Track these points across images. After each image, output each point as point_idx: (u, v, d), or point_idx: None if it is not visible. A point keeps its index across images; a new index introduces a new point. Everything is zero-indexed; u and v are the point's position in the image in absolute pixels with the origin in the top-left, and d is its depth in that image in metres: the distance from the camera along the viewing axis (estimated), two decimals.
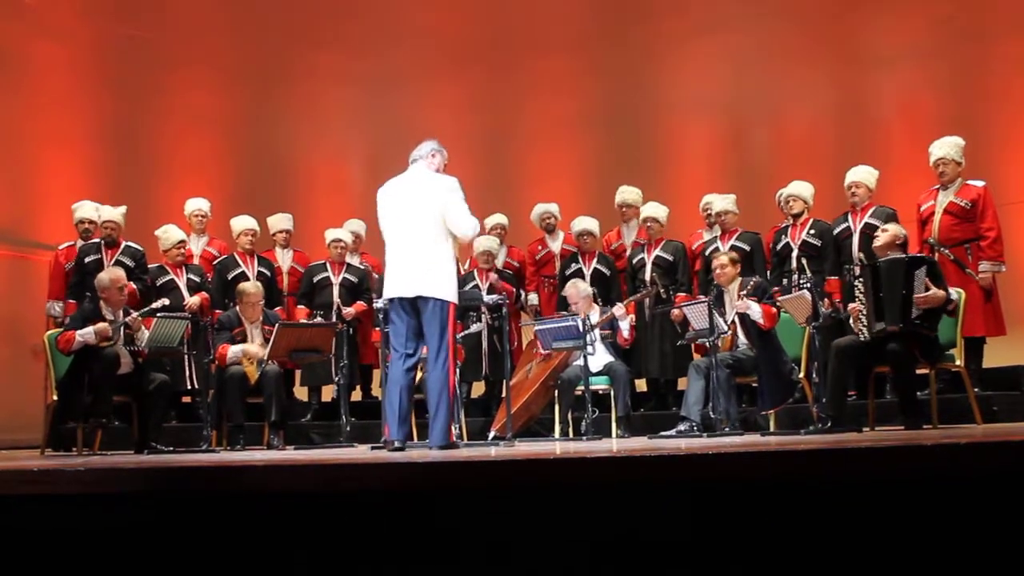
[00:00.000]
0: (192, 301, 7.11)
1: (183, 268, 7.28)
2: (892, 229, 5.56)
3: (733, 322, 6.01)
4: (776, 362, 5.82)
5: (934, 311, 5.22)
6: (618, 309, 6.66)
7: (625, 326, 6.66)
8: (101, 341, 5.77)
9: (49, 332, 6.46)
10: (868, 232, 6.38)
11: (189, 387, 7.24)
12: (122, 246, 7.25)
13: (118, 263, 7.07)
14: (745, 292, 5.97)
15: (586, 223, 7.64)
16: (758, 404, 5.97)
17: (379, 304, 5.10)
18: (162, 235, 7.31)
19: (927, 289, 5.16)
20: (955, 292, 5.38)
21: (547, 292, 7.88)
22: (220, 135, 9.94)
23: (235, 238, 7.67)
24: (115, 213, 7.32)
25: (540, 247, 8.08)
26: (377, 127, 9.71)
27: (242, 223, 7.67)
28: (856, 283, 5.38)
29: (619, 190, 7.92)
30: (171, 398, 6.72)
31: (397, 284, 4.79)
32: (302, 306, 7.50)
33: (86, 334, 5.74)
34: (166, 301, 6.52)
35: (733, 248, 6.90)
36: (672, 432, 5.83)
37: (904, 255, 5.39)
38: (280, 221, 7.94)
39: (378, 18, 9.70)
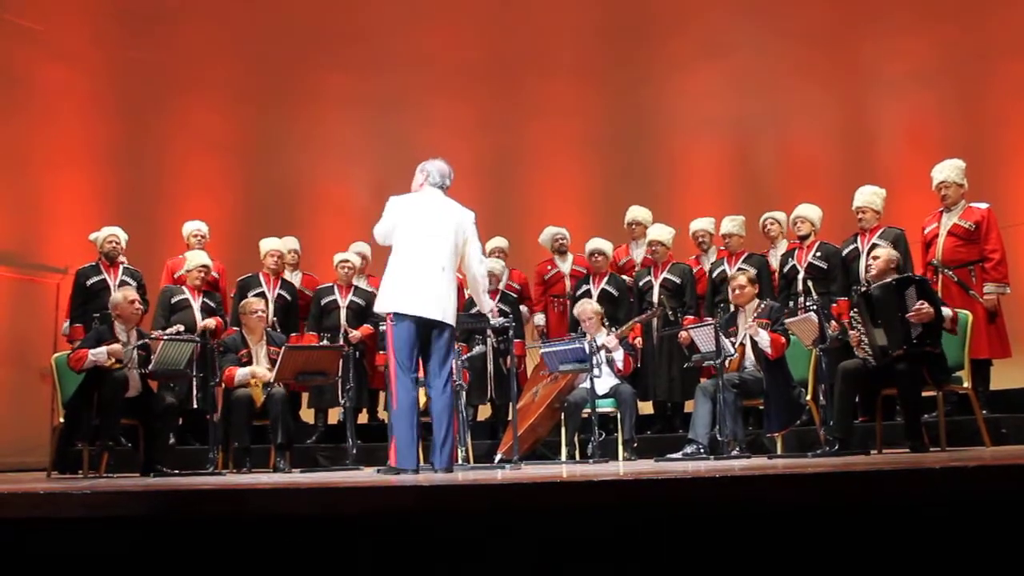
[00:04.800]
0: (208, 323, 7.12)
1: (200, 291, 7.30)
2: (884, 255, 5.52)
3: (742, 344, 6.01)
4: (783, 385, 5.82)
5: (932, 328, 5.19)
6: (610, 340, 6.63)
7: (619, 357, 6.61)
8: (114, 363, 5.78)
9: (57, 354, 6.48)
10: None
11: (195, 407, 7.23)
12: (121, 267, 7.31)
13: (122, 282, 7.14)
14: (757, 314, 5.98)
15: (599, 243, 7.65)
16: (764, 426, 5.95)
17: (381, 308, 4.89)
18: (190, 255, 7.38)
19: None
20: (948, 311, 5.29)
21: (556, 312, 7.88)
22: (227, 157, 9.99)
23: (262, 258, 7.69)
24: (116, 229, 7.37)
25: (550, 267, 8.10)
26: (383, 149, 9.75)
27: (268, 244, 7.71)
28: (852, 312, 5.39)
29: (629, 209, 7.98)
30: (178, 420, 6.74)
31: (416, 302, 4.74)
32: (311, 332, 7.51)
33: (99, 354, 5.74)
34: (181, 328, 6.55)
35: (740, 270, 6.91)
36: (678, 455, 5.81)
37: (893, 279, 5.36)
38: (288, 242, 7.99)
39: (384, 41, 9.77)
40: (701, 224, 7.56)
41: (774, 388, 5.80)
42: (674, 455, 5.86)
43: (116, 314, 6.05)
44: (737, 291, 6.16)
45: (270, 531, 2.82)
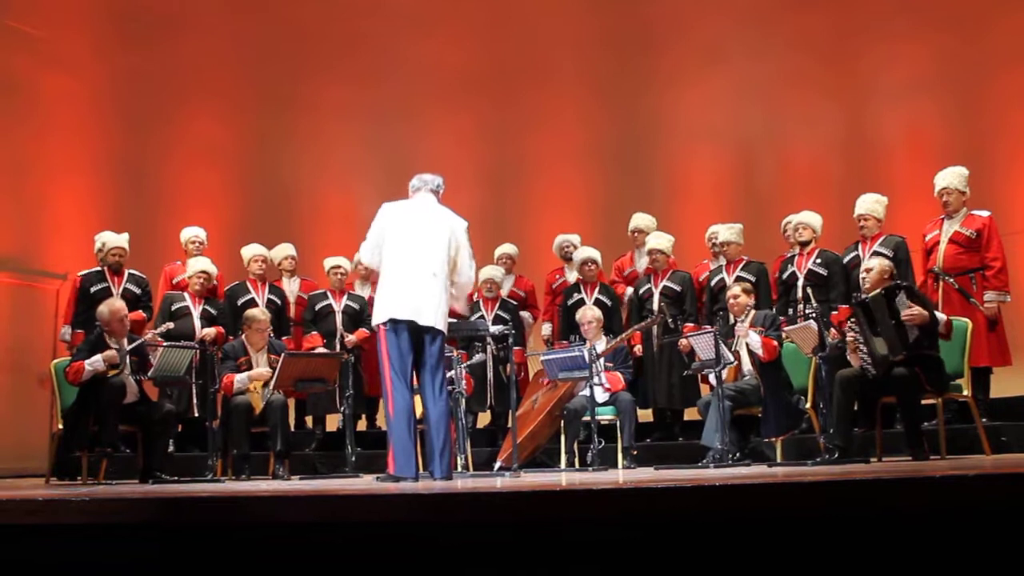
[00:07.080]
0: (208, 332, 7.11)
1: (201, 298, 7.29)
2: (877, 267, 5.57)
3: (737, 351, 6.03)
4: (780, 390, 5.85)
5: (928, 332, 5.21)
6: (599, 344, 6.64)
7: (603, 378, 6.51)
8: (109, 369, 5.77)
9: (56, 360, 6.47)
10: None
11: (195, 415, 7.21)
12: (126, 274, 7.31)
13: (126, 291, 7.13)
14: (751, 321, 6.00)
15: (589, 252, 7.64)
16: (762, 431, 5.96)
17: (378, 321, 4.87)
18: (191, 261, 7.39)
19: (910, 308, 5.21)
20: (941, 316, 5.36)
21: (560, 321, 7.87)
22: (227, 166, 9.99)
23: (246, 265, 7.71)
24: (121, 240, 7.38)
25: (558, 276, 8.11)
26: (383, 158, 9.76)
27: (252, 250, 7.75)
28: (850, 320, 5.40)
29: (633, 216, 7.95)
30: (177, 427, 6.73)
31: (408, 308, 4.75)
32: (315, 332, 7.50)
33: (95, 363, 5.71)
34: (170, 325, 6.54)
35: (739, 279, 6.92)
36: (706, 462, 5.77)
37: (882, 289, 5.39)
38: (284, 249, 7.99)
39: (384, 50, 9.78)
40: (717, 229, 7.46)
41: (771, 393, 5.83)
42: (704, 462, 5.81)
43: (106, 329, 6.01)
44: (731, 301, 6.24)
45: (269, 538, 2.82)
